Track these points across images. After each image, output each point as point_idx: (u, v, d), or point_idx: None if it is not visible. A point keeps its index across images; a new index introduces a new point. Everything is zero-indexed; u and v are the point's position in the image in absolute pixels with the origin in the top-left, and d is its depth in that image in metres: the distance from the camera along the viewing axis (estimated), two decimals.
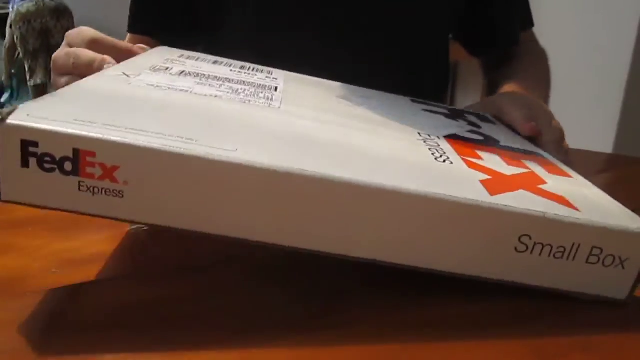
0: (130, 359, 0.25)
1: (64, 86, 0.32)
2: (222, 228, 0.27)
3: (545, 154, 0.41)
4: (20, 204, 0.25)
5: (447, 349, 0.27)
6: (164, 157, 0.25)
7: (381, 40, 0.63)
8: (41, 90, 3.00)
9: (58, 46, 0.43)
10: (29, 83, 2.98)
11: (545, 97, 0.68)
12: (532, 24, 0.76)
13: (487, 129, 0.45)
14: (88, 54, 0.41)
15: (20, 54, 2.93)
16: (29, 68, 2.95)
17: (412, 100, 0.50)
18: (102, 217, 0.26)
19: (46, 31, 2.90)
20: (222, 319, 0.28)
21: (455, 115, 0.47)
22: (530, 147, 0.42)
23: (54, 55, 0.43)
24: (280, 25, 0.61)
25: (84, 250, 0.35)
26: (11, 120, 0.24)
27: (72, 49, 0.42)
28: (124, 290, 0.31)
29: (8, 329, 0.27)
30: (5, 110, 0.24)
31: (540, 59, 0.74)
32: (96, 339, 0.26)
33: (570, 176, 0.36)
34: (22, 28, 2.85)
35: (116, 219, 0.26)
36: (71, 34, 0.44)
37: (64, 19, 2.92)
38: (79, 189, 0.25)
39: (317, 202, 0.27)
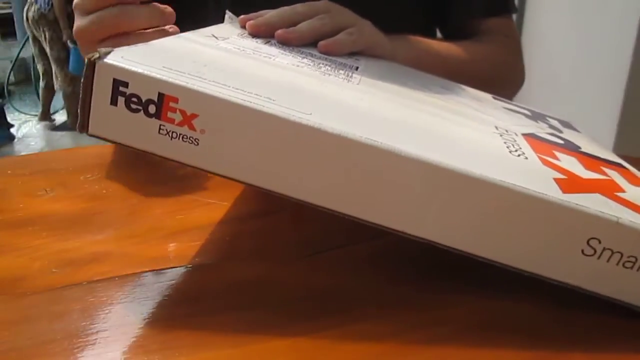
0: None
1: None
2: (286, 188, 0.27)
3: (630, 167, 0.39)
4: (103, 139, 0.27)
5: (447, 349, 0.27)
6: (241, 111, 0.26)
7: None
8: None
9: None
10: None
11: (447, 67, 0.57)
12: (503, 11, 0.68)
13: (569, 134, 0.43)
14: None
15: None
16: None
17: (494, 98, 0.49)
18: (176, 161, 0.27)
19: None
20: (222, 318, 0.28)
21: (536, 117, 0.46)
22: (614, 158, 0.40)
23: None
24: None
25: (84, 250, 0.35)
26: (108, 59, 0.26)
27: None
28: None
29: (8, 329, 0.27)
30: (103, 50, 0.26)
31: (492, 49, 0.65)
32: None
33: None
34: None
35: (188, 165, 0.27)
36: None
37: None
38: (159, 131, 0.26)
39: (383, 175, 0.27)
